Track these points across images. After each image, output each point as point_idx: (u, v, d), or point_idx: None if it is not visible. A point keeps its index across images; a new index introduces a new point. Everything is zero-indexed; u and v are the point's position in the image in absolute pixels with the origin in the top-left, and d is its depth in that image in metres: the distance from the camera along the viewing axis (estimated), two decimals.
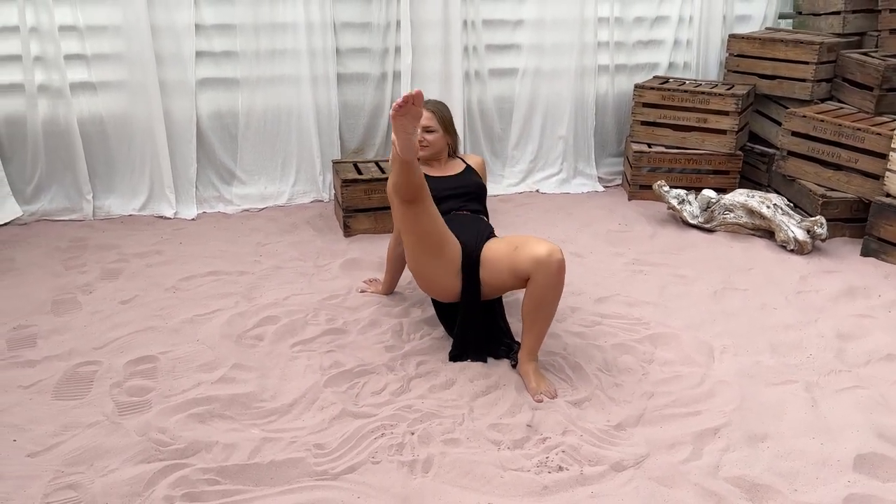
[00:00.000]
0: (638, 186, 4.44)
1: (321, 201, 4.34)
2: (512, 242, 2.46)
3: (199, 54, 4.02)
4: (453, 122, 2.92)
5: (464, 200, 2.78)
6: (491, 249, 2.51)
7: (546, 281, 2.34)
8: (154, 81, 3.92)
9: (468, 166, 2.95)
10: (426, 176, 2.81)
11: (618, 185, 4.79)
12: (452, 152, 2.96)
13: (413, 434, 2.19)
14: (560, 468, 2.06)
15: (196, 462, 2.06)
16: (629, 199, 4.46)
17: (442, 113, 2.86)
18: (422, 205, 2.39)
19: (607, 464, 2.07)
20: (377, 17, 4.21)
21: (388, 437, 2.18)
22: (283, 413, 2.31)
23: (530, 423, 2.25)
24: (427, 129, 2.80)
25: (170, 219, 4.03)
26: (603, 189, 4.69)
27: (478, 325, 2.61)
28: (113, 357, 2.59)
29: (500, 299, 2.74)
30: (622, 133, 4.85)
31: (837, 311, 3.05)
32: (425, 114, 2.74)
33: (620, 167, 4.87)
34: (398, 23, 4.24)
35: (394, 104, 2.15)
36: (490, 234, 2.66)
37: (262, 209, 4.21)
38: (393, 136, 2.26)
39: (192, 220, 4.03)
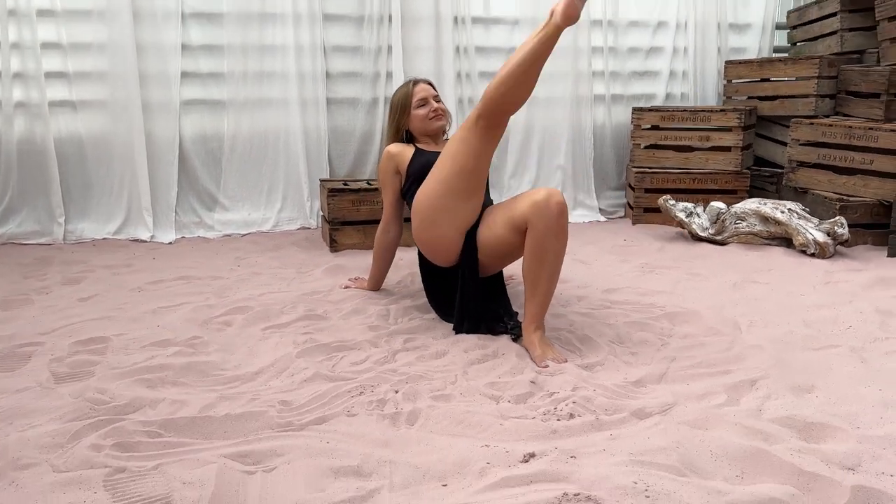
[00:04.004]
0: (642, 210, 4.21)
1: (308, 228, 4.11)
2: (512, 197, 2.27)
3: (184, 75, 3.91)
4: None
5: None
6: (490, 207, 2.35)
7: (546, 226, 2.08)
8: (136, 101, 3.79)
9: None
10: (423, 151, 2.60)
11: (621, 217, 4.57)
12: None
13: (397, 392, 1.86)
14: (571, 416, 1.71)
15: (137, 416, 1.72)
16: (633, 224, 4.23)
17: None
18: (496, 137, 2.21)
19: (627, 412, 1.73)
20: (368, 42, 4.14)
21: (368, 395, 1.85)
22: (248, 380, 1.98)
23: (534, 380, 1.92)
24: (437, 98, 2.65)
25: (145, 242, 3.78)
26: (605, 220, 4.47)
27: (478, 295, 2.32)
28: (59, 339, 2.28)
29: (501, 281, 2.46)
30: (622, 166, 4.69)
31: (873, 294, 2.75)
32: (429, 88, 2.64)
33: (622, 199, 4.67)
34: (390, 48, 4.16)
35: None
36: None
37: (246, 234, 3.97)
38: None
39: (169, 244, 3.78)
